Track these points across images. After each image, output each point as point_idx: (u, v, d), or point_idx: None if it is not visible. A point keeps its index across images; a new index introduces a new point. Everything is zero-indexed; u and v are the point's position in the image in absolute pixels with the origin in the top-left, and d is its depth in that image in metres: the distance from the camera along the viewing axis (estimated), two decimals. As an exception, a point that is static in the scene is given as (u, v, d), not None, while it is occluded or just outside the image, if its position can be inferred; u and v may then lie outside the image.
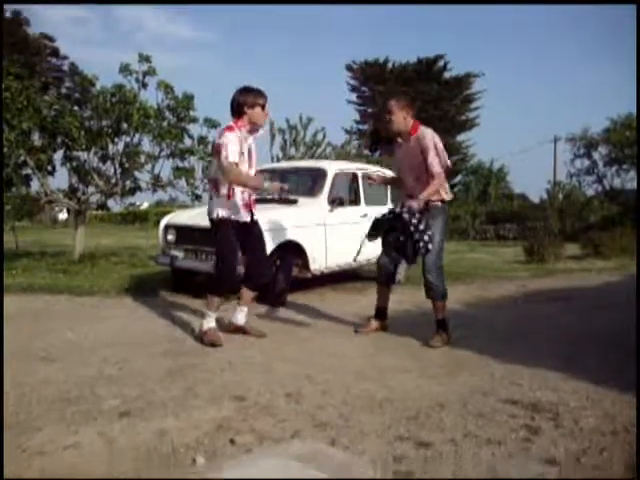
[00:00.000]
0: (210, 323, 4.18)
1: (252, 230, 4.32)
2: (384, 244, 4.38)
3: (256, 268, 4.38)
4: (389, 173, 7.80)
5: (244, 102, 4.12)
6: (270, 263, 4.49)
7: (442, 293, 4.23)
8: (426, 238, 3.98)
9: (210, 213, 4.22)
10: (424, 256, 4.07)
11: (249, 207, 4.25)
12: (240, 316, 4.45)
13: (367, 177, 4.77)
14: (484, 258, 12.45)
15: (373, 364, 3.67)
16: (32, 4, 31.72)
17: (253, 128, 4.20)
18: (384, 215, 4.29)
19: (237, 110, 4.15)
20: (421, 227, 3.98)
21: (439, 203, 4.19)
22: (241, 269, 4.44)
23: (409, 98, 4.37)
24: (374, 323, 4.53)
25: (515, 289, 7.30)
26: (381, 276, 4.47)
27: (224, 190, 4.12)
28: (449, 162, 4.21)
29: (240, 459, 2.19)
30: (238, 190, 4.15)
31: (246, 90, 4.17)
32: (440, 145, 4.14)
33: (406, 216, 3.99)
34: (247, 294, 4.45)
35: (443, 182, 4.19)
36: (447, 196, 4.24)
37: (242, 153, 4.10)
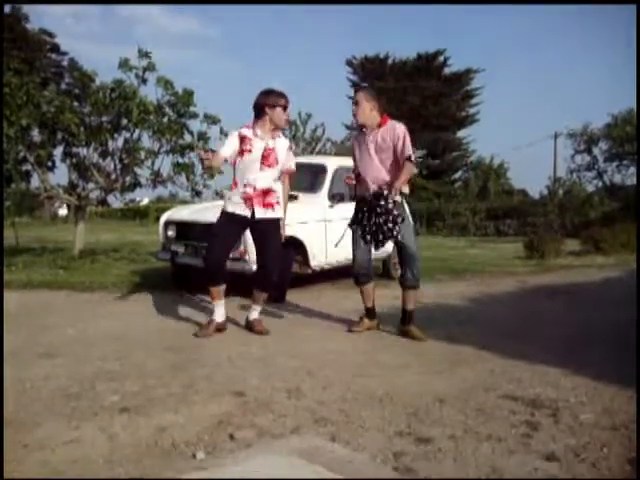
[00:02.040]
0: (213, 316, 4.32)
1: (260, 228, 4.32)
2: (357, 238, 4.33)
3: (261, 269, 4.43)
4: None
5: (265, 103, 4.24)
6: (277, 263, 4.52)
7: (417, 282, 4.29)
8: (399, 221, 4.03)
9: None
10: (398, 240, 4.11)
11: (250, 202, 4.22)
12: (253, 314, 4.50)
13: (346, 177, 4.65)
14: (484, 254, 12.45)
15: (373, 360, 3.67)
16: (32, 4, 31.64)
17: (275, 128, 4.31)
18: (359, 204, 4.32)
19: (258, 111, 4.28)
20: (395, 212, 4.03)
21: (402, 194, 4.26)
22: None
23: (375, 91, 4.40)
24: (367, 322, 4.51)
25: (515, 285, 7.30)
26: (361, 276, 4.44)
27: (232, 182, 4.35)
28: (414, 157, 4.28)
29: (240, 454, 2.19)
30: (241, 183, 4.23)
31: (268, 92, 4.29)
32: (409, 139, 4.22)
33: (382, 201, 4.03)
34: (257, 295, 4.48)
35: (412, 172, 4.30)
36: (406, 189, 4.30)
37: (250, 150, 4.20)
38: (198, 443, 2.33)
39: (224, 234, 4.28)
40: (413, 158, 4.22)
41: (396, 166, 4.19)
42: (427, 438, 2.39)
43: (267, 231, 4.33)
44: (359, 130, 4.43)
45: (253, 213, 4.24)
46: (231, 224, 4.27)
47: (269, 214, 4.29)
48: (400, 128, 4.22)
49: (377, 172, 4.22)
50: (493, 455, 2.24)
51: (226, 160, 4.24)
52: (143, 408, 2.72)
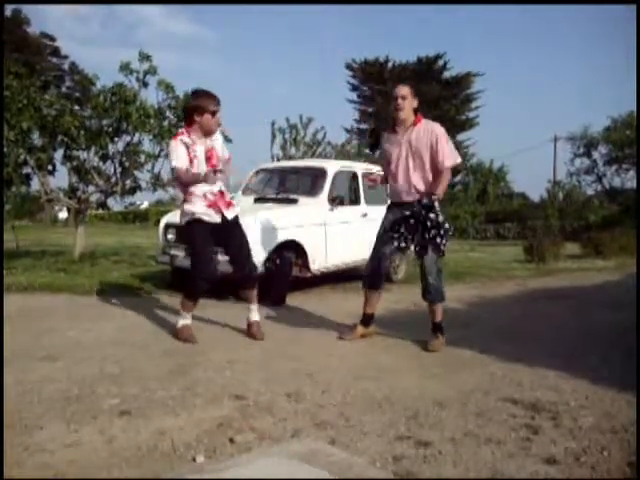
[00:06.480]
0: (185, 320, 4.25)
1: (230, 230, 4.26)
2: (384, 242, 4.16)
3: (240, 270, 4.35)
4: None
5: (193, 108, 4.06)
6: (251, 258, 4.42)
7: (442, 295, 4.14)
8: (442, 232, 3.93)
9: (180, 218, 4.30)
10: (431, 253, 3.99)
11: (217, 207, 4.16)
12: (252, 314, 4.41)
13: (368, 178, 4.61)
14: (484, 257, 12.46)
15: (373, 363, 3.67)
16: (32, 4, 31.77)
17: (206, 133, 4.12)
18: (394, 209, 4.17)
19: (186, 116, 4.13)
20: (447, 225, 3.95)
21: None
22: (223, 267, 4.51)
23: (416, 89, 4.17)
24: (360, 329, 4.34)
25: (515, 288, 7.30)
26: (373, 281, 4.29)
27: (184, 194, 4.17)
28: (459, 159, 4.12)
29: (240, 458, 2.19)
30: (199, 192, 4.11)
31: (196, 95, 4.08)
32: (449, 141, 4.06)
33: (432, 214, 3.91)
34: (247, 293, 4.45)
35: (450, 179, 4.14)
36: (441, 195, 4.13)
37: (196, 156, 4.06)
38: (198, 446, 2.33)
39: (208, 245, 4.21)
40: (450, 164, 4.02)
41: (431, 168, 4.02)
42: (427, 442, 2.39)
43: (237, 230, 4.32)
44: (391, 129, 4.18)
45: (223, 216, 4.19)
46: (207, 233, 4.15)
47: (235, 212, 4.30)
48: (440, 129, 4.03)
49: (410, 174, 4.04)
50: (493, 458, 2.24)
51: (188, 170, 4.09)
52: (143, 411, 2.72)
